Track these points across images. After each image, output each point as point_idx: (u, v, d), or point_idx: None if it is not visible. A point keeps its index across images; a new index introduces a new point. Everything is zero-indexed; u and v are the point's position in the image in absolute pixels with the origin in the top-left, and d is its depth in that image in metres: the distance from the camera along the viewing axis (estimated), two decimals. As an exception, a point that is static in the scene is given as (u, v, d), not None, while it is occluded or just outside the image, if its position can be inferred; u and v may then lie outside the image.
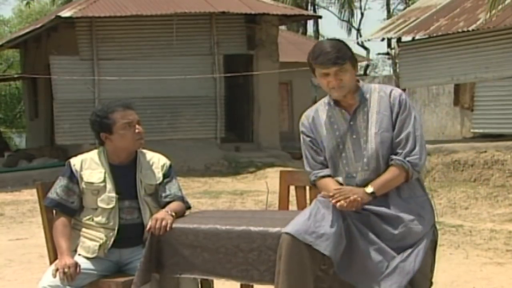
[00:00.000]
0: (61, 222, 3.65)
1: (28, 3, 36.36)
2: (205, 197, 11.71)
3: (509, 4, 12.08)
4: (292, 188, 3.95)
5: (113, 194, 3.63)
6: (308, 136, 3.38)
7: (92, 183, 3.64)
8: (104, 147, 3.73)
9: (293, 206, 3.97)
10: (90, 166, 3.68)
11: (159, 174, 3.72)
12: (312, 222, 3.10)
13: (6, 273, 6.29)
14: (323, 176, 3.33)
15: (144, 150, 3.80)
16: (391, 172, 3.19)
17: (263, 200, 10.48)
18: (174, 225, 3.44)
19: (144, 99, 16.03)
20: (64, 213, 3.67)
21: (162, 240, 3.43)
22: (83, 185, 3.66)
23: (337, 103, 3.31)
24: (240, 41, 17.49)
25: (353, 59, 3.24)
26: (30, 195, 12.12)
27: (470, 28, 13.15)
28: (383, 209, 3.16)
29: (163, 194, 3.70)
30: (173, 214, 3.51)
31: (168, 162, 3.79)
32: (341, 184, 3.29)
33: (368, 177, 3.22)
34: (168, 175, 3.75)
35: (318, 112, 3.37)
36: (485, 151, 12.11)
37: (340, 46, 3.23)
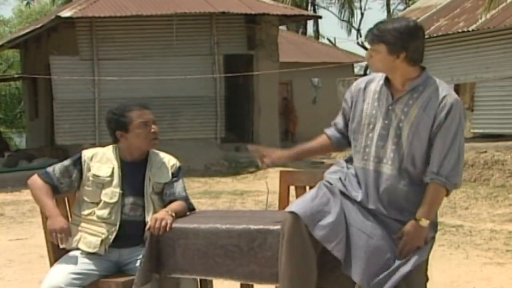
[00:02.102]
0: (45, 186, 3.69)
1: (28, 3, 36.41)
2: (205, 197, 11.72)
3: (508, 4, 12.09)
4: (292, 188, 3.95)
5: (118, 190, 3.66)
6: (346, 102, 3.34)
7: (98, 176, 3.67)
8: (117, 144, 3.76)
9: (293, 206, 3.96)
10: (101, 160, 3.72)
11: (168, 173, 3.76)
12: (316, 205, 3.10)
13: (6, 273, 6.29)
14: (326, 134, 3.41)
15: (156, 151, 3.83)
16: (435, 191, 3.10)
17: (263, 200, 10.48)
18: (174, 225, 3.44)
19: (144, 99, 16.01)
20: (50, 185, 3.69)
21: (162, 240, 3.43)
22: (89, 176, 3.68)
23: (388, 82, 3.18)
24: (240, 41, 17.49)
25: (393, 46, 3.06)
26: (30, 195, 12.07)
27: (470, 29, 13.17)
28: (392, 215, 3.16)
29: (168, 192, 3.73)
30: (173, 214, 3.51)
31: (178, 163, 3.83)
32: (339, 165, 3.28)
33: (391, 172, 3.11)
34: (176, 175, 3.78)
35: (371, 83, 3.26)
36: (485, 151, 12.11)
37: (386, 26, 3.12)
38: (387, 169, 3.13)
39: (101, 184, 3.67)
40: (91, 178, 3.68)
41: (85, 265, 3.59)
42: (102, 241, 3.62)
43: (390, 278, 3.01)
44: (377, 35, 3.10)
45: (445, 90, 3.12)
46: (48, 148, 18.49)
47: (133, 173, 3.71)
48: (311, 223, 3.05)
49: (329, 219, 3.07)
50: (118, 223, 3.63)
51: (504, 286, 5.42)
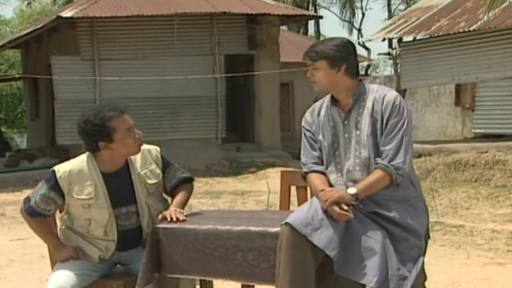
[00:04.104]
0: (37, 221, 3.64)
1: (29, 3, 36.35)
2: (206, 198, 11.72)
3: (509, 4, 12.08)
4: (293, 188, 3.95)
5: (107, 208, 3.53)
6: (308, 130, 3.44)
7: (82, 198, 3.52)
8: (94, 154, 3.55)
9: (294, 207, 3.96)
10: (79, 179, 3.53)
11: (157, 171, 3.66)
12: (311, 214, 3.15)
13: (7, 273, 6.29)
14: (315, 171, 3.37)
15: None
16: (375, 174, 3.21)
17: (264, 201, 10.48)
18: (173, 226, 3.45)
19: (145, 99, 16.04)
20: (41, 217, 3.65)
21: (162, 240, 3.44)
22: (72, 198, 3.54)
23: (334, 101, 3.37)
24: (241, 41, 17.49)
25: (333, 59, 3.25)
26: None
27: (471, 28, 13.15)
28: (385, 214, 3.21)
29: (170, 185, 3.70)
30: (182, 211, 3.56)
31: (157, 150, 3.71)
32: (330, 183, 3.32)
33: (360, 178, 3.25)
34: (164, 164, 3.70)
35: (321, 109, 3.43)
36: (486, 151, 12.10)
37: (324, 44, 3.33)
38: (358, 175, 3.26)
39: (87, 204, 3.53)
40: (74, 201, 3.54)
41: (86, 265, 3.58)
42: (100, 254, 3.59)
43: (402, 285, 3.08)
44: (317, 52, 3.28)
45: (385, 90, 3.33)
46: (49, 148, 18.49)
47: (118, 182, 3.55)
48: (309, 232, 3.09)
49: (325, 225, 3.11)
50: (115, 238, 3.57)
51: (505, 286, 5.42)
